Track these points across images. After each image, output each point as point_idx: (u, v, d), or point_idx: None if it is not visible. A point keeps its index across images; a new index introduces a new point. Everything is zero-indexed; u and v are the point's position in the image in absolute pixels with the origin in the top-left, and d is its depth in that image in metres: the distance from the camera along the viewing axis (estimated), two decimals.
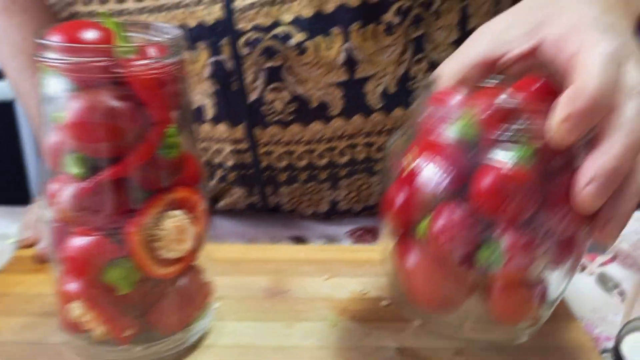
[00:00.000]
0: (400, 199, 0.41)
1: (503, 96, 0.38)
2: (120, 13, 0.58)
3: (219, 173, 0.62)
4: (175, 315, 0.42)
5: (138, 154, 0.37)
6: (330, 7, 0.54)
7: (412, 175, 0.39)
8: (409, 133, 0.42)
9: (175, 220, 0.39)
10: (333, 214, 0.67)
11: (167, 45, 0.37)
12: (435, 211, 0.39)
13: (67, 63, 0.34)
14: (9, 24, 0.67)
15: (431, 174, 0.38)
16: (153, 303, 0.41)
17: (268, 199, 0.63)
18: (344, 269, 0.53)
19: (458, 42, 0.58)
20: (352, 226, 0.64)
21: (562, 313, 0.48)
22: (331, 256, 0.55)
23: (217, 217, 0.67)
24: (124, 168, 0.37)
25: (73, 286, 0.40)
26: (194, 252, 0.41)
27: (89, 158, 0.37)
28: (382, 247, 0.44)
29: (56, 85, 0.36)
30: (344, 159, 0.61)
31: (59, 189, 0.38)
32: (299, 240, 0.63)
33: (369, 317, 0.47)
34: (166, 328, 0.41)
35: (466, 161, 0.38)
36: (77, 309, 0.40)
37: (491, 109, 0.37)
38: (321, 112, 0.58)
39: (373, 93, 0.58)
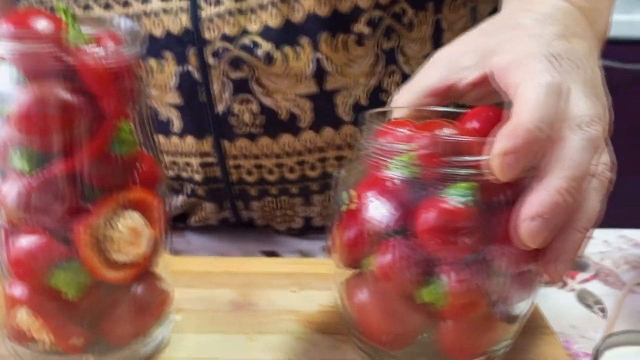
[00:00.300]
0: (348, 234, 0.40)
1: (445, 130, 0.38)
2: None
3: (188, 187, 0.60)
4: (128, 324, 0.40)
5: (88, 149, 0.35)
6: (299, 17, 0.53)
7: (359, 210, 0.39)
8: (356, 165, 0.41)
9: (130, 221, 0.37)
10: (308, 230, 0.65)
11: (121, 37, 0.36)
12: (381, 247, 0.38)
13: (15, 51, 0.33)
14: None
15: (377, 210, 0.38)
16: (105, 311, 0.39)
17: (240, 213, 0.61)
18: (314, 282, 0.51)
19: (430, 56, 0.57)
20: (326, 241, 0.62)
21: (539, 326, 0.46)
22: (302, 269, 0.53)
23: (190, 233, 0.65)
24: (73, 164, 0.35)
25: (18, 291, 0.38)
26: (149, 256, 0.39)
27: (36, 153, 0.35)
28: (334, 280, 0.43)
29: (4, 76, 0.34)
30: (315, 173, 0.59)
31: (7, 188, 0.36)
32: (272, 255, 0.61)
33: (335, 329, 0.45)
34: (118, 338, 0.39)
35: (410, 197, 0.37)
36: (23, 316, 0.38)
37: (432, 143, 0.36)
38: (291, 125, 0.56)
39: (344, 105, 0.57)
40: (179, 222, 0.65)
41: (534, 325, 0.46)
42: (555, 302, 0.52)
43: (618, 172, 0.40)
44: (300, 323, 0.45)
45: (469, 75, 0.39)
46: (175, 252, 0.61)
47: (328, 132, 0.57)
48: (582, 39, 0.40)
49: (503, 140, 0.32)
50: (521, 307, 0.40)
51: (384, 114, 0.42)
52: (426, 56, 0.58)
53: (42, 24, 0.34)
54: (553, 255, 0.34)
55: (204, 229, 0.65)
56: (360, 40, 0.55)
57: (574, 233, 0.34)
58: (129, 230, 0.37)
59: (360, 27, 0.55)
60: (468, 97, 0.40)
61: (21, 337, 0.39)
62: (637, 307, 0.51)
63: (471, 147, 0.36)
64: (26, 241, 0.36)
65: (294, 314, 0.46)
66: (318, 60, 0.55)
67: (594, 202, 0.35)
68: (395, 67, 0.57)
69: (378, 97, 0.57)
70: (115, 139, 0.37)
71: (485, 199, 0.36)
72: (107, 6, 0.56)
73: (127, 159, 0.37)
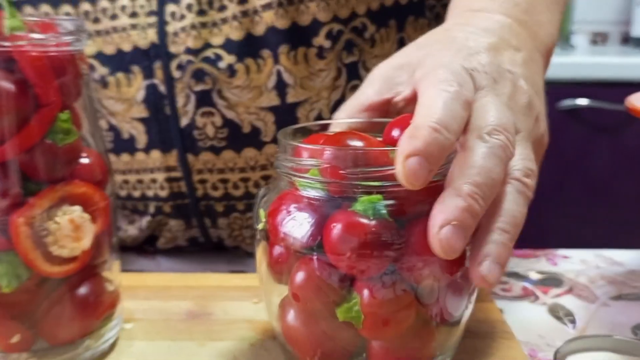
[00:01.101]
0: (273, 251, 0.39)
1: (354, 142, 0.37)
2: None
3: (153, 206, 0.60)
4: (68, 324, 0.38)
5: (22, 136, 0.35)
6: (260, 30, 0.54)
7: (274, 228, 0.37)
8: (277, 183, 0.41)
9: (71, 215, 0.36)
10: None
11: (60, 28, 0.36)
12: (296, 265, 0.37)
13: None
14: None
15: (291, 227, 0.36)
16: (46, 309, 0.38)
17: (208, 232, 0.61)
18: None
19: None
20: None
21: (499, 331, 0.45)
22: None
23: (160, 256, 0.64)
24: (4, 151, 0.35)
25: None
26: (90, 252, 0.39)
27: None
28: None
29: None
30: None
31: None
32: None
33: None
34: (58, 338, 0.38)
35: (324, 213, 0.36)
36: None
37: (334, 156, 0.35)
38: (254, 138, 0.56)
39: (306, 119, 0.57)
40: (148, 245, 0.64)
41: (494, 331, 0.45)
42: (524, 314, 0.50)
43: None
44: (255, 331, 0.44)
45: (403, 91, 0.40)
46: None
47: None
48: (517, 51, 0.41)
49: (402, 144, 0.32)
50: (456, 315, 0.38)
51: (302, 130, 0.42)
52: None
53: None
54: (475, 260, 0.34)
55: (174, 251, 0.64)
56: (320, 53, 0.55)
57: (493, 234, 0.34)
58: (69, 224, 0.36)
59: (320, 40, 0.55)
60: (406, 112, 0.40)
61: None
62: (609, 318, 0.49)
63: (376, 157, 0.35)
64: None
65: (250, 323, 0.45)
66: (279, 73, 0.55)
67: (513, 204, 0.35)
68: (358, 81, 0.57)
69: None
70: (53, 128, 0.36)
71: (397, 210, 0.35)
72: None
73: (66, 150, 0.37)
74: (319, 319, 0.37)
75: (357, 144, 0.37)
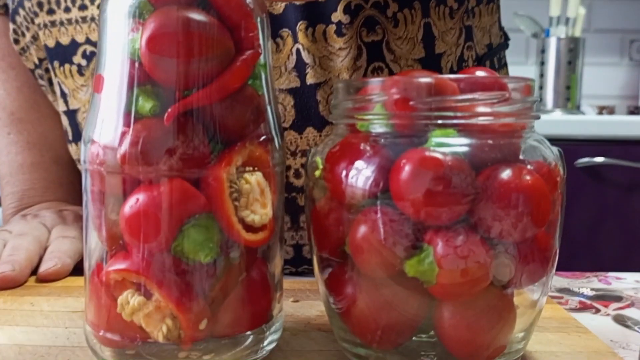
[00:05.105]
0: (324, 212, 0.35)
1: (417, 78, 0.33)
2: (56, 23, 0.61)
3: None
4: (240, 309, 0.35)
5: (227, 78, 0.32)
6: (279, 8, 0.54)
7: (335, 175, 0.34)
8: (331, 137, 0.38)
9: (258, 177, 0.33)
10: (301, 262, 0.60)
11: None
12: (357, 219, 0.33)
13: None
14: None
15: (353, 174, 0.33)
16: (225, 291, 0.34)
17: None
18: None
19: (423, 62, 0.58)
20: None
21: (573, 326, 0.45)
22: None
23: None
24: (208, 94, 0.32)
25: (128, 263, 0.33)
26: (273, 225, 0.35)
27: (160, 88, 0.33)
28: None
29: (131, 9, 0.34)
30: (301, 182, 0.55)
31: (135, 132, 0.33)
32: None
33: None
34: (226, 327, 0.35)
35: (389, 156, 0.33)
36: (128, 301, 0.32)
37: (403, 86, 0.32)
38: None
39: (326, 102, 0.55)
40: None
41: (567, 326, 0.45)
42: (588, 322, 0.48)
43: None
44: (297, 324, 0.45)
45: None
46: None
47: (310, 132, 0.56)
48: None
49: None
50: (534, 290, 0.35)
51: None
52: (418, 60, 0.58)
53: None
54: None
55: None
56: (339, 30, 0.54)
57: None
58: (258, 186, 0.33)
59: (339, 15, 0.54)
60: None
61: (124, 331, 0.34)
62: None
63: (447, 87, 0.32)
64: (151, 194, 0.31)
65: (291, 317, 0.46)
66: (298, 52, 0.54)
67: None
68: (382, 64, 0.56)
69: None
70: (253, 74, 0.34)
71: (473, 151, 0.32)
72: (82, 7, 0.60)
73: (259, 104, 0.35)
74: (382, 286, 0.33)
75: (427, 79, 0.33)
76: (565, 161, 0.37)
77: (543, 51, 2.04)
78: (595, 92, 2.29)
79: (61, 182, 0.75)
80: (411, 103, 0.32)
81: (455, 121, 0.32)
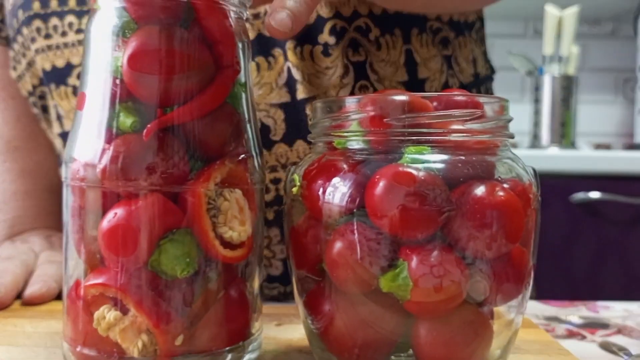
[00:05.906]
0: (302, 228, 0.36)
1: (392, 96, 0.34)
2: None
3: None
4: (218, 326, 0.36)
5: (206, 96, 0.32)
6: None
7: (312, 192, 0.35)
8: (310, 155, 0.39)
9: (236, 195, 0.34)
10: (289, 281, 0.60)
11: None
12: (333, 235, 0.33)
13: None
14: None
15: (330, 191, 0.34)
16: (200, 307, 0.34)
17: None
18: None
19: (407, 85, 0.61)
20: None
21: (555, 349, 0.45)
22: None
23: None
24: (187, 112, 0.32)
25: (104, 278, 0.33)
26: (251, 243, 0.36)
27: (145, 106, 0.33)
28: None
29: (115, 23, 0.35)
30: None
31: (114, 147, 0.33)
32: None
33: None
34: (204, 343, 0.35)
35: (365, 172, 0.34)
36: (104, 316, 0.33)
37: (378, 104, 0.33)
38: (263, 137, 0.57)
39: None
40: None
41: (549, 349, 0.45)
42: (574, 349, 0.49)
43: None
44: (278, 345, 0.45)
45: None
46: None
47: (300, 145, 0.58)
48: None
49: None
50: (509, 308, 0.36)
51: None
52: (402, 83, 0.61)
53: None
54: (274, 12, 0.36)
55: None
56: (326, 50, 0.57)
57: None
58: (236, 203, 0.34)
59: (325, 37, 0.57)
60: None
61: (100, 347, 0.33)
62: None
63: (421, 105, 0.33)
64: (129, 208, 0.32)
65: (273, 339, 0.46)
66: (289, 69, 0.57)
67: None
68: (367, 82, 0.59)
69: None
70: (232, 92, 0.34)
71: (448, 168, 0.32)
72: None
73: (238, 122, 0.35)
74: (358, 304, 0.34)
75: (401, 97, 0.34)
76: (562, 197, 0.37)
77: (537, 89, 2.06)
78: (590, 130, 2.32)
79: (52, 210, 0.76)
80: (386, 120, 0.32)
81: (429, 137, 0.33)
